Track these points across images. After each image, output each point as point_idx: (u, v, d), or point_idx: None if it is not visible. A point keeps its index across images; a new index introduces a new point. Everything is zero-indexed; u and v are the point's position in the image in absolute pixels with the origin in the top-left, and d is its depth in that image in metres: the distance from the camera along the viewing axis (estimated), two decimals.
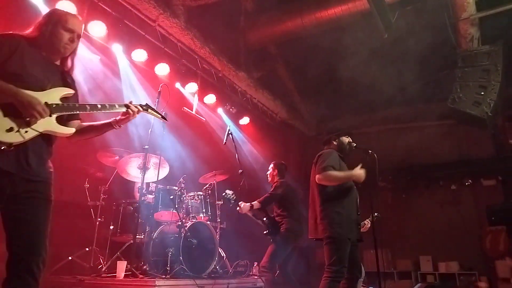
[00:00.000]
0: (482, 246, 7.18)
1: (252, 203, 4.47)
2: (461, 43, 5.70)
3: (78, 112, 2.18)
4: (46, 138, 2.03)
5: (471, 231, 7.29)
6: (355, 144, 3.82)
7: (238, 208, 4.40)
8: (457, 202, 7.75)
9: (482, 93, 5.24)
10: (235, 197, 4.35)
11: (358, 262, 3.64)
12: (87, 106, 2.18)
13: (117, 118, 2.30)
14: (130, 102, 2.32)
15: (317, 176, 3.43)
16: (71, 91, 2.17)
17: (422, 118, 7.91)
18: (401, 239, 7.85)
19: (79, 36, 2.22)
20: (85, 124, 2.28)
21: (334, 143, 3.81)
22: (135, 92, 5.29)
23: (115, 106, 2.27)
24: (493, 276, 6.93)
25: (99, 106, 2.21)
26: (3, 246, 1.91)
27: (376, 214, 4.23)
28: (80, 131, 2.22)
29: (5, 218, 1.92)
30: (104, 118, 2.33)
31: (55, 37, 2.14)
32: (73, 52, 2.25)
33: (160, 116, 2.52)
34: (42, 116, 1.95)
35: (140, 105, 2.36)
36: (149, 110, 2.43)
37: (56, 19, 2.17)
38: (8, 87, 1.87)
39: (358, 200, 3.71)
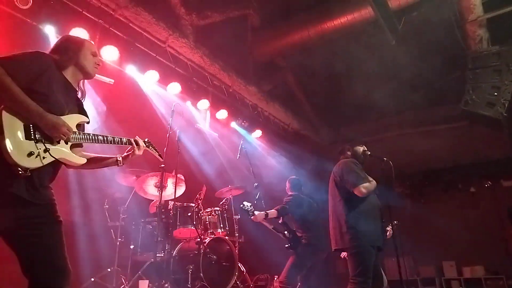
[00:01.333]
0: (507, 248, 7.02)
1: (268, 211, 4.44)
2: (470, 45, 5.69)
3: (91, 142, 2.18)
4: (55, 164, 2.01)
5: (494, 233, 7.14)
6: (369, 153, 3.82)
7: (252, 217, 4.37)
8: (477, 205, 7.61)
9: (496, 93, 5.20)
10: (253, 208, 4.34)
11: (379, 271, 3.61)
12: (99, 136, 2.21)
13: (124, 154, 2.37)
14: (137, 138, 2.38)
15: (358, 190, 3.43)
16: (86, 119, 2.20)
17: (435, 121, 7.84)
18: (423, 245, 7.69)
19: (100, 62, 2.31)
20: (89, 154, 2.29)
21: (349, 153, 3.84)
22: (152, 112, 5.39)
23: (123, 139, 2.34)
24: None
25: (109, 138, 2.26)
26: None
27: (395, 222, 4.19)
28: (86, 162, 2.20)
29: (18, 243, 1.87)
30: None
31: (85, 60, 2.20)
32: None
33: (157, 154, 2.60)
34: (66, 137, 1.97)
35: (144, 141, 2.44)
36: (150, 148, 2.52)
37: (80, 44, 2.23)
38: (36, 108, 1.86)
39: (380, 207, 3.71)
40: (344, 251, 3.57)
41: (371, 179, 3.64)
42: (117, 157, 2.34)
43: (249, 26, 7.06)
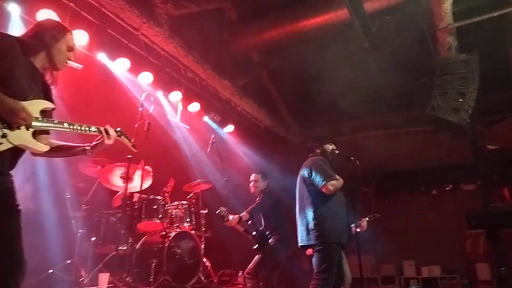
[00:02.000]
0: (463, 249, 7.35)
1: (241, 214, 4.40)
2: (440, 51, 5.87)
3: (54, 128, 2.07)
4: (15, 150, 1.91)
5: (452, 235, 7.46)
6: (338, 151, 3.88)
7: (226, 222, 4.32)
8: (438, 207, 7.91)
9: (461, 100, 5.39)
10: (228, 213, 4.28)
11: (343, 268, 3.69)
12: (65, 123, 2.10)
13: (92, 144, 2.25)
14: (107, 127, 2.26)
15: (325, 187, 3.47)
16: (52, 105, 2.10)
17: (403, 125, 8.07)
18: (385, 244, 7.94)
19: (73, 55, 2.21)
20: (55, 142, 2.19)
21: (318, 150, 3.89)
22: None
23: (91, 128, 2.22)
24: (473, 279, 7.08)
25: (76, 126, 2.14)
26: None
27: (374, 214, 4.33)
28: (51, 150, 2.10)
29: None
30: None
31: (57, 52, 2.10)
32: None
33: (130, 144, 2.48)
34: (26, 122, 1.87)
35: (115, 130, 2.32)
36: (122, 137, 2.40)
37: (60, 34, 2.13)
38: None
39: (346, 205, 3.78)
40: (310, 248, 3.62)
41: (338, 177, 3.70)
42: (85, 146, 2.24)
43: (227, 19, 7.00)
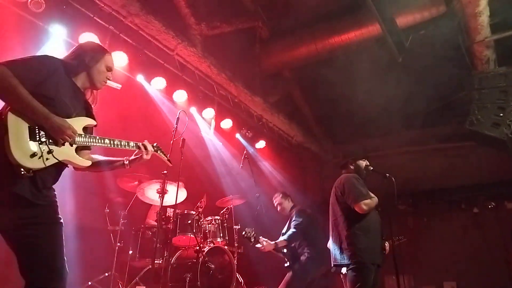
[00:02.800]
0: (509, 270, 6.92)
1: (277, 241, 4.38)
2: (477, 65, 5.70)
3: (96, 144, 2.20)
4: (59, 166, 2.03)
5: (496, 255, 7.05)
6: (371, 168, 3.82)
7: (260, 246, 4.30)
8: (480, 226, 7.52)
9: (501, 114, 5.19)
10: (255, 235, 4.28)
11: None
12: (106, 139, 2.24)
13: (130, 158, 2.39)
14: (146, 142, 2.41)
15: (358, 207, 3.44)
16: (94, 122, 2.24)
17: (441, 140, 7.82)
18: (424, 264, 7.62)
19: (110, 76, 2.36)
20: (97, 157, 2.31)
21: (351, 167, 3.84)
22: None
23: (130, 143, 2.36)
24: None
25: (116, 141, 2.28)
26: None
27: (399, 237, 4.18)
28: (92, 164, 2.22)
29: (17, 244, 1.88)
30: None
31: (97, 72, 2.24)
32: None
33: (166, 159, 2.62)
34: (71, 139, 2.00)
35: (152, 145, 2.46)
36: (159, 152, 2.54)
37: (100, 55, 2.27)
38: (42, 110, 1.89)
39: (381, 224, 3.69)
40: (343, 267, 3.55)
41: (372, 195, 3.63)
42: (123, 160, 2.38)
43: (258, 37, 7.14)
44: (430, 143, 7.95)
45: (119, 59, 4.62)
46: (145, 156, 2.39)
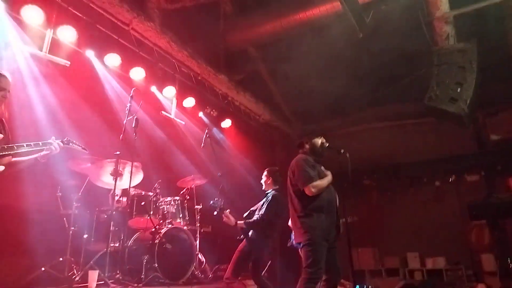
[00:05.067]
0: (467, 240, 7.23)
1: (238, 222, 4.25)
2: (437, 41, 5.72)
3: (6, 153, 2.58)
4: None
5: (456, 226, 7.34)
6: (327, 144, 3.80)
7: (224, 218, 4.24)
8: (441, 199, 7.79)
9: (458, 89, 5.25)
10: (222, 206, 4.19)
11: (336, 264, 3.64)
12: (14, 146, 2.61)
13: (42, 153, 2.80)
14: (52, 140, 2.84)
15: (307, 190, 3.46)
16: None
17: (404, 116, 7.95)
18: (388, 236, 7.88)
19: (9, 92, 2.69)
20: (13, 159, 2.67)
21: (307, 146, 3.82)
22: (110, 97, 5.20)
23: (39, 144, 2.76)
24: (478, 270, 6.97)
25: (25, 145, 2.66)
26: None
27: (352, 217, 4.24)
28: (9, 166, 2.63)
29: None
30: None
31: None
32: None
33: (81, 148, 3.13)
34: None
35: (62, 141, 2.92)
36: (71, 145, 3.04)
37: None
38: None
39: (337, 201, 3.72)
40: (299, 245, 3.59)
41: (328, 173, 3.66)
42: (36, 157, 2.79)
43: (222, 12, 6.92)
44: (392, 120, 8.07)
45: (68, 34, 4.36)
46: (54, 151, 2.85)
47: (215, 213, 4.23)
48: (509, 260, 6.01)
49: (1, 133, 2.68)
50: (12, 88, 2.77)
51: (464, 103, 5.18)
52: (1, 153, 2.57)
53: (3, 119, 2.75)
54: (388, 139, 8.07)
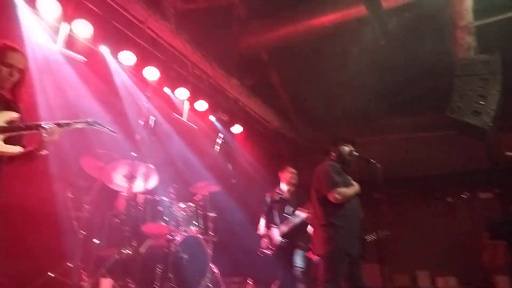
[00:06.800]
0: (480, 260, 7.02)
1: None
2: (458, 51, 5.60)
3: (23, 132, 2.38)
4: None
5: (468, 244, 7.13)
6: (357, 154, 3.63)
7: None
8: (453, 215, 7.60)
9: (482, 102, 5.11)
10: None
11: (361, 281, 3.45)
12: (31, 125, 2.41)
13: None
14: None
15: (332, 196, 3.34)
16: (16, 115, 2.40)
17: (418, 128, 7.81)
18: (398, 253, 7.65)
19: (19, 70, 2.43)
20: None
21: (334, 153, 3.65)
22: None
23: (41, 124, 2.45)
24: None
25: (31, 125, 2.42)
26: None
27: (384, 231, 4.07)
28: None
29: None
30: None
31: None
32: (17, 85, 2.47)
33: (108, 130, 2.68)
34: None
35: (87, 121, 2.57)
36: (97, 126, 2.61)
37: None
38: None
39: (361, 214, 3.56)
40: (318, 255, 3.43)
41: (354, 183, 3.50)
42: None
43: (236, 15, 6.79)
44: (406, 131, 7.93)
45: (83, 29, 4.18)
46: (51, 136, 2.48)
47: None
48: None
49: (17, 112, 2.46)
50: (28, 68, 2.55)
51: (487, 116, 5.04)
52: (17, 131, 2.36)
53: (17, 102, 2.52)
54: (399, 151, 7.91)
